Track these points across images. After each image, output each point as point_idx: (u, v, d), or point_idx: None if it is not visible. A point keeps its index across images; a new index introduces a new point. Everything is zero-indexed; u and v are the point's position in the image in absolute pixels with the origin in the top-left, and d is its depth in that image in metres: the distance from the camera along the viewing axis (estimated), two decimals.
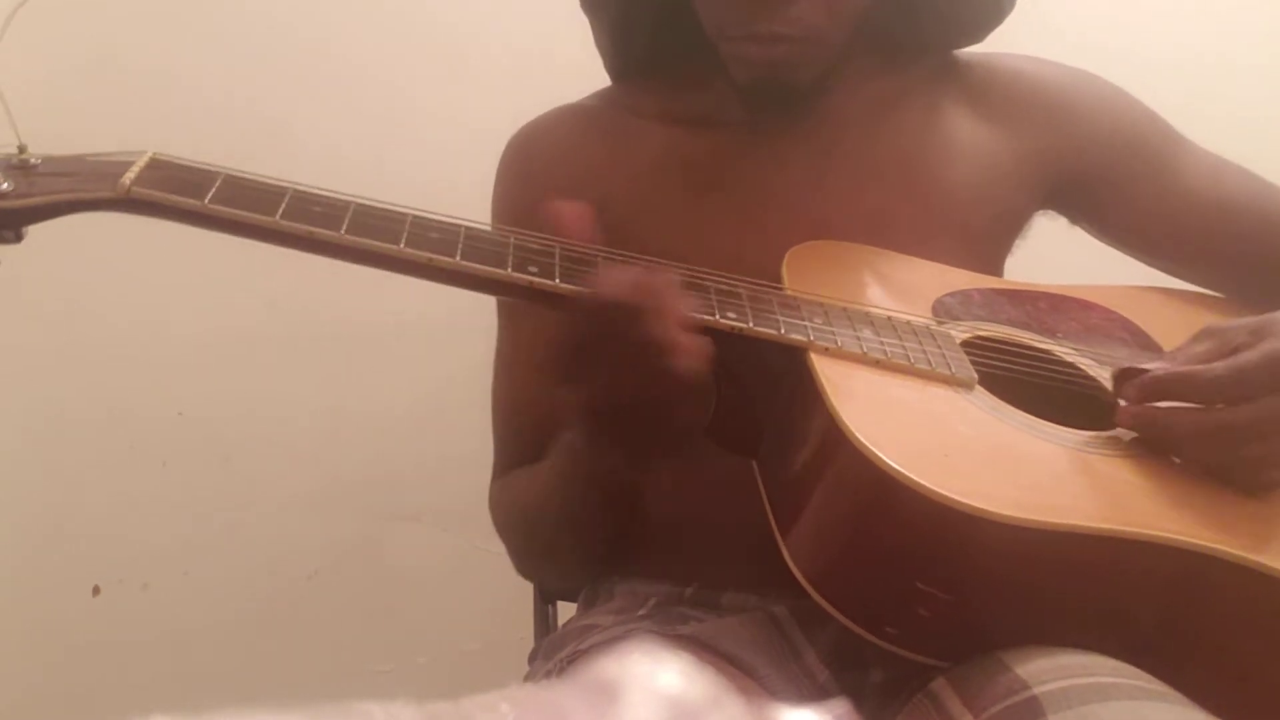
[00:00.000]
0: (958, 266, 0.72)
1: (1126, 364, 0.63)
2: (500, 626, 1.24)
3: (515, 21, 1.21)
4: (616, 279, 0.54)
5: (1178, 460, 0.60)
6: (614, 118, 0.78)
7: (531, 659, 0.78)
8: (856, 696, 0.61)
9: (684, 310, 0.55)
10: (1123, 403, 0.63)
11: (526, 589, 0.94)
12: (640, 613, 0.69)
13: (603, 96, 0.81)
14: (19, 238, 0.54)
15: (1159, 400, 0.61)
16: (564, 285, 0.56)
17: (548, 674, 0.67)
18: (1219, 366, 0.59)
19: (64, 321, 1.12)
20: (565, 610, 0.85)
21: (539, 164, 0.77)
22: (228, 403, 1.20)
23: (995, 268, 0.77)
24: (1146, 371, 0.61)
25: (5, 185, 0.52)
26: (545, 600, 0.93)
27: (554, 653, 0.69)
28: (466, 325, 0.91)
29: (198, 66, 1.13)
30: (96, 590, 1.18)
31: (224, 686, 1.21)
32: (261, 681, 1.22)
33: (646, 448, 0.58)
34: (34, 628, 1.16)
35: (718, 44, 0.70)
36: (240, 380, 1.20)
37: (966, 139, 0.75)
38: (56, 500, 1.15)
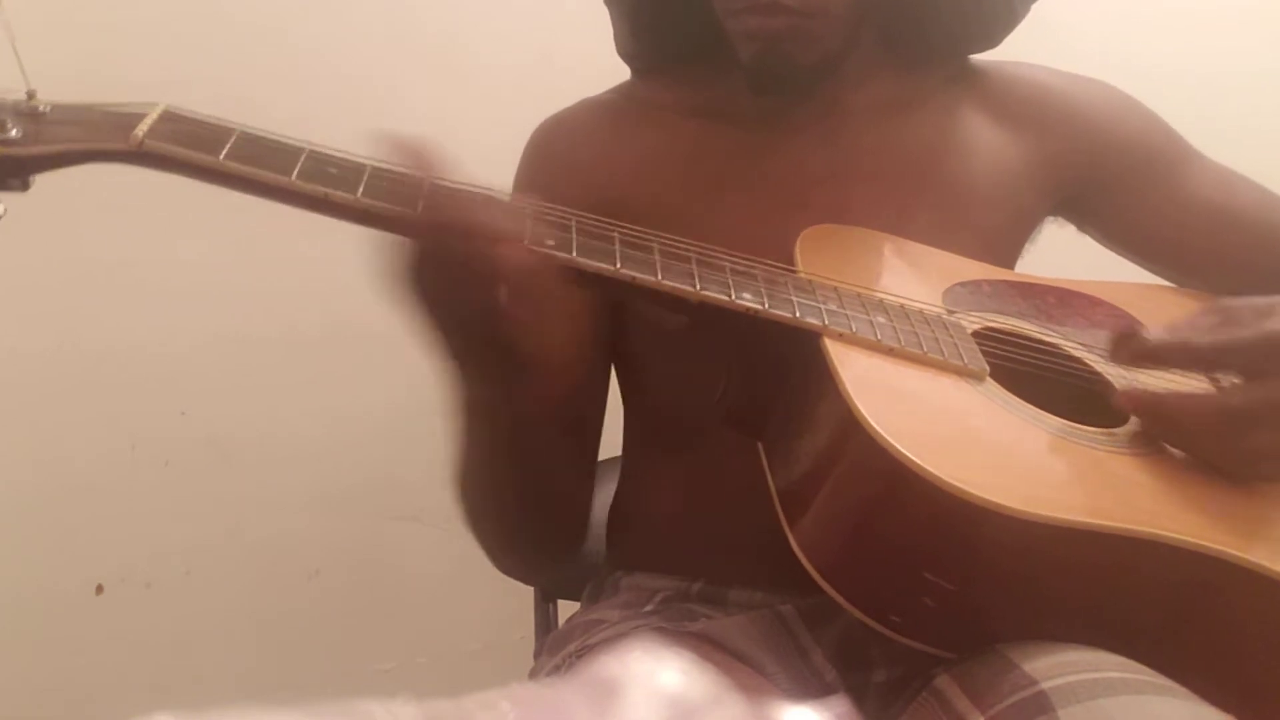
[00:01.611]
0: None
1: (1125, 329, 0.63)
2: (500, 626, 1.24)
3: (514, 28, 1.21)
4: (443, 202, 0.53)
5: (1177, 453, 0.60)
6: (634, 111, 0.78)
7: (537, 655, 0.77)
8: (861, 696, 0.61)
9: (512, 233, 0.54)
10: (1118, 385, 0.62)
11: (527, 589, 0.94)
12: (647, 608, 0.69)
13: (622, 91, 0.81)
14: (26, 186, 0.52)
15: (1149, 366, 0.61)
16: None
17: (555, 669, 0.67)
18: (1207, 338, 0.59)
19: (67, 321, 1.12)
20: (566, 609, 0.85)
21: (558, 156, 0.78)
22: (230, 403, 1.20)
23: (1008, 268, 0.77)
24: (1141, 337, 0.61)
25: (14, 132, 0.50)
26: (545, 599, 0.93)
27: (559, 648, 0.69)
28: None
29: (195, 72, 1.13)
30: (99, 589, 1.18)
31: (225, 685, 1.21)
32: (262, 681, 1.22)
33: (497, 369, 0.58)
34: (36, 626, 1.16)
35: (724, 20, 0.70)
36: (243, 380, 1.20)
37: (983, 141, 0.76)
38: (59, 499, 1.15)
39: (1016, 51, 0.79)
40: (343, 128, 1.26)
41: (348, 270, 1.19)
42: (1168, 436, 0.60)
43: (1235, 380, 0.60)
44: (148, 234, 1.11)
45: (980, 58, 0.80)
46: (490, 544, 0.75)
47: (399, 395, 1.24)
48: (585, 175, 0.75)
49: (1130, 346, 0.61)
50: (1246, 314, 0.60)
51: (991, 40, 0.78)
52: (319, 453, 1.23)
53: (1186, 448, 0.59)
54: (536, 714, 0.29)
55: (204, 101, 1.23)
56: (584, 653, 0.65)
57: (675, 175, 0.73)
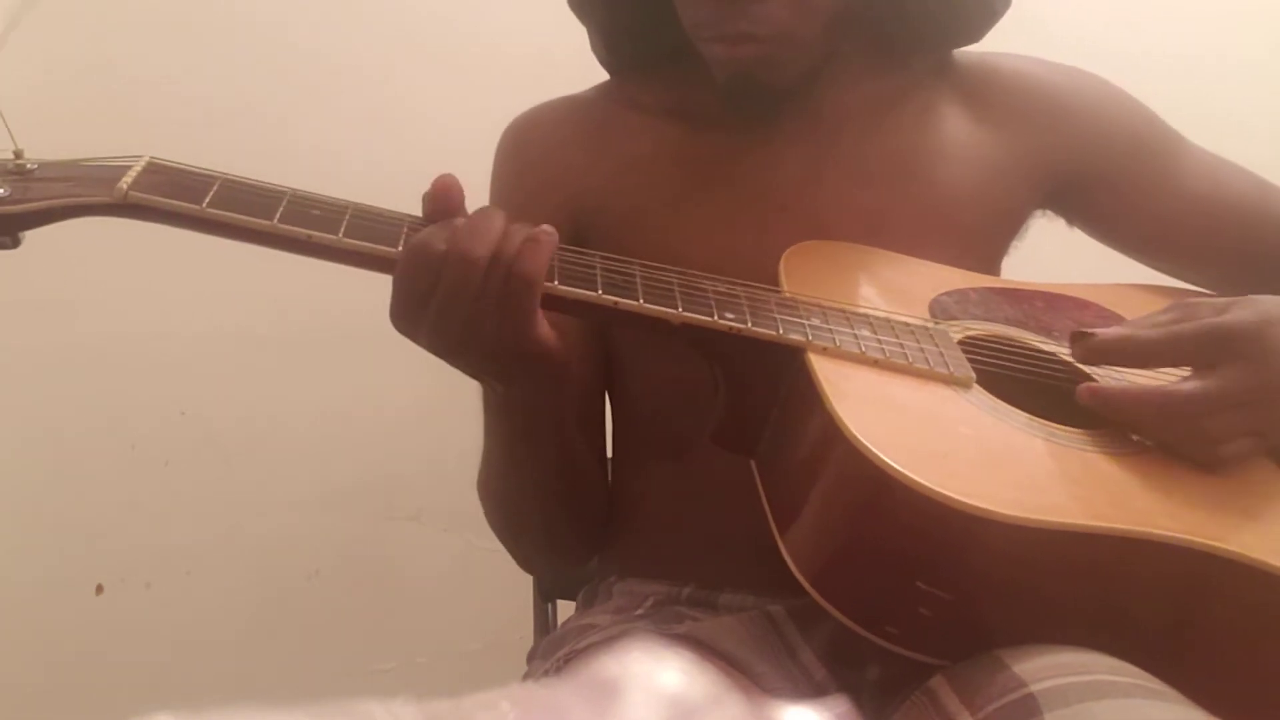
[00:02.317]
0: (954, 266, 0.72)
1: (1075, 329, 0.63)
2: (500, 626, 1.24)
3: (510, 21, 1.22)
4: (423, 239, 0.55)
5: (1136, 438, 0.60)
6: (613, 110, 0.78)
7: (530, 658, 0.78)
8: (854, 694, 0.61)
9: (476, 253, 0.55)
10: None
11: (526, 589, 0.94)
12: (638, 612, 0.70)
13: (603, 89, 0.81)
14: (16, 243, 0.54)
15: (1102, 363, 0.62)
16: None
17: (546, 673, 0.67)
18: (1155, 332, 0.60)
19: (66, 321, 1.13)
20: (565, 610, 0.86)
21: (535, 153, 0.78)
22: (230, 403, 1.20)
23: (992, 268, 0.77)
24: (1092, 334, 0.61)
25: (2, 191, 0.52)
26: (545, 599, 0.93)
27: (552, 652, 0.69)
28: None
29: (193, 70, 1.13)
30: (99, 589, 1.19)
31: (225, 685, 1.21)
32: (262, 681, 1.22)
33: (505, 369, 0.60)
34: (37, 627, 1.16)
35: (696, 43, 0.70)
36: (242, 380, 1.20)
37: (964, 138, 0.75)
38: (59, 499, 1.15)
39: (1000, 43, 0.78)
40: (341, 127, 1.27)
41: (348, 270, 1.20)
42: (1132, 430, 0.60)
43: (1185, 373, 0.61)
44: (147, 233, 1.11)
45: (963, 50, 0.79)
46: (524, 543, 0.76)
47: (399, 395, 1.24)
48: (559, 169, 0.75)
49: (1084, 344, 0.62)
50: (1201, 309, 0.61)
51: (974, 34, 0.77)
52: (319, 452, 1.24)
53: (1152, 440, 0.60)
54: (536, 714, 0.29)
55: (198, 96, 1.24)
56: (573, 657, 0.65)
57: (652, 174, 0.73)
